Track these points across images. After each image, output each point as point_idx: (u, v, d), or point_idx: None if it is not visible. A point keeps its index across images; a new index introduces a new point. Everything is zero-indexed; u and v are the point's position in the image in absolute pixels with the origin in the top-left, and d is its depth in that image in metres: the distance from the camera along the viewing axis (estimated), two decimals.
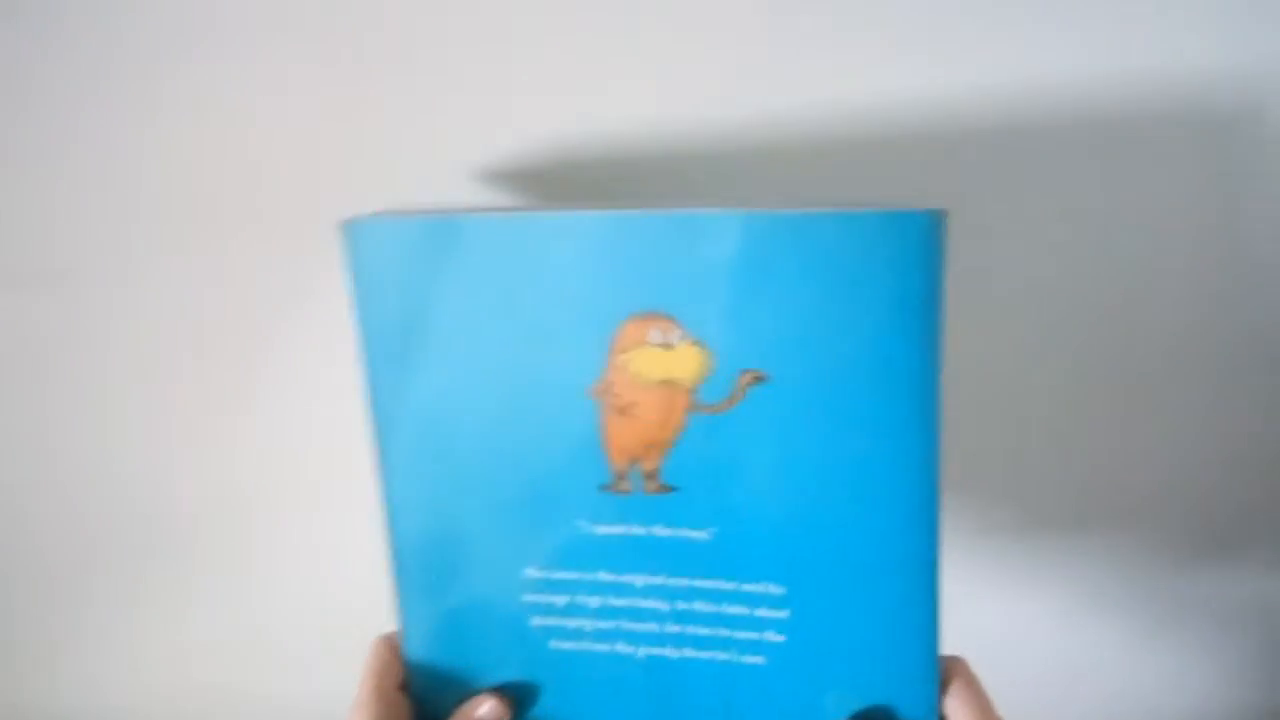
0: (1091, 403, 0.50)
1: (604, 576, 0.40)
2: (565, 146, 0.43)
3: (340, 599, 0.57)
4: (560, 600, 0.40)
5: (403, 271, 0.37)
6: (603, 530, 0.39)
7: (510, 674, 0.41)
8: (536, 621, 0.41)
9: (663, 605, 0.40)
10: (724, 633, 0.39)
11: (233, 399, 0.51)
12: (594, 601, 0.40)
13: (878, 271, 0.34)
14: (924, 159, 0.45)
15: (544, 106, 0.43)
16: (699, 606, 0.39)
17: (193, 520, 0.56)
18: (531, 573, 0.40)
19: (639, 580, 0.39)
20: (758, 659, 0.39)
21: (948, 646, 0.38)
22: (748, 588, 0.39)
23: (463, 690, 0.42)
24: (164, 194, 0.45)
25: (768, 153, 0.44)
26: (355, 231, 0.37)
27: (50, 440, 0.54)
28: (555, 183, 0.43)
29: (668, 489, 0.38)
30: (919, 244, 0.33)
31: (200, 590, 0.59)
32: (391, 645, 0.42)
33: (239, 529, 0.56)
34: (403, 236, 0.37)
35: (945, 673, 0.38)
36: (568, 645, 0.41)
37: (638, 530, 0.39)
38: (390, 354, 0.38)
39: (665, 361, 0.36)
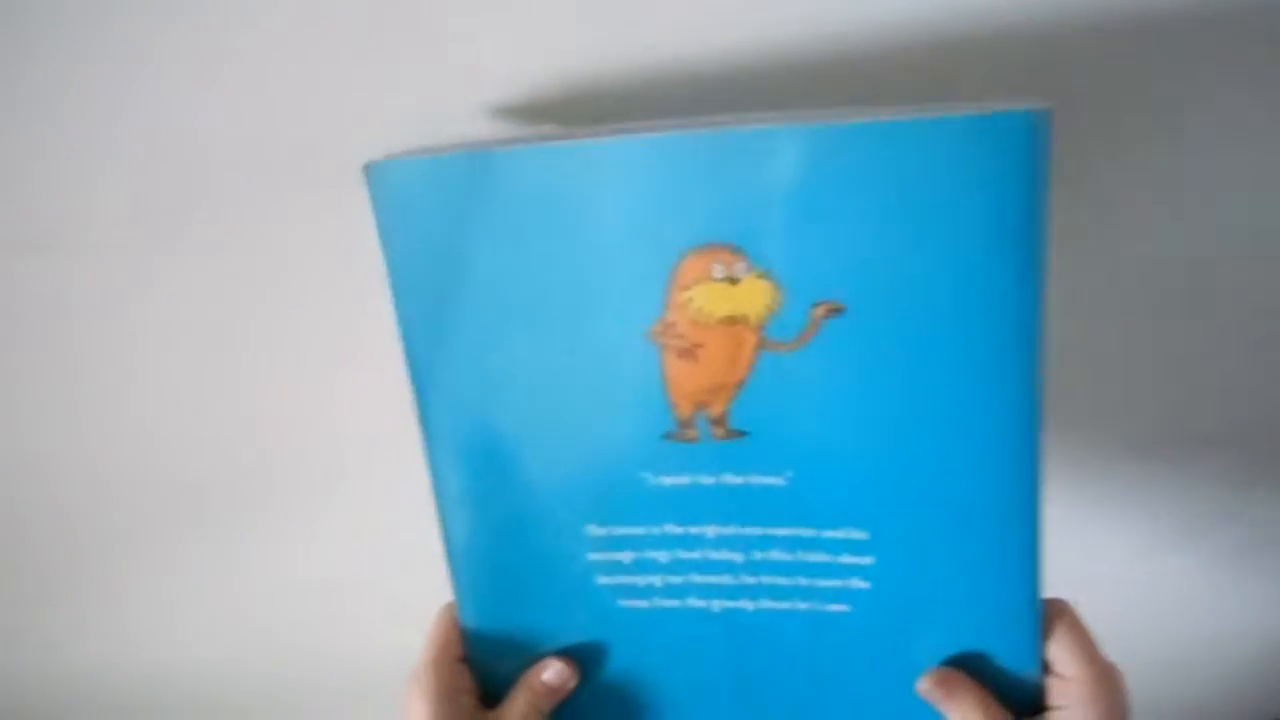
0: (1181, 330, 0.46)
1: (672, 529, 0.37)
2: (591, 72, 0.39)
3: (389, 558, 0.55)
4: (626, 557, 0.38)
5: (435, 214, 0.33)
6: (668, 481, 0.36)
7: (575, 636, 0.39)
8: (602, 580, 0.38)
9: (737, 556, 0.37)
10: (804, 582, 0.37)
11: (266, 357, 0.49)
12: (662, 556, 0.37)
13: (971, 183, 0.30)
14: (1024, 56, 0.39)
15: (566, 30, 0.39)
16: (776, 556, 0.37)
17: (234, 479, 0.54)
18: (593, 530, 0.37)
19: (710, 531, 0.37)
20: (842, 607, 0.37)
21: None
22: (828, 534, 0.36)
23: (524, 657, 0.39)
24: (183, 153, 0.42)
25: (825, 59, 0.39)
26: (380, 174, 0.33)
27: (80, 406, 0.52)
28: (581, 113, 0.39)
29: (737, 434, 0.35)
30: (1019, 149, 0.29)
31: (238, 552, 0.57)
32: (455, 615, 0.40)
33: (279, 489, 0.54)
34: (432, 175, 0.33)
35: (1047, 616, 0.35)
36: (637, 603, 0.38)
37: (706, 480, 0.36)
38: (426, 305, 0.35)
39: (730, 297, 0.33)
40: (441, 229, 0.34)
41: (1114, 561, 0.53)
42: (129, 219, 0.44)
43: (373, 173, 0.33)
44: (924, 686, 0.36)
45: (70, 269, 0.46)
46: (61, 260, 0.46)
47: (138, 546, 0.58)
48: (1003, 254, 0.31)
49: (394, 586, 0.56)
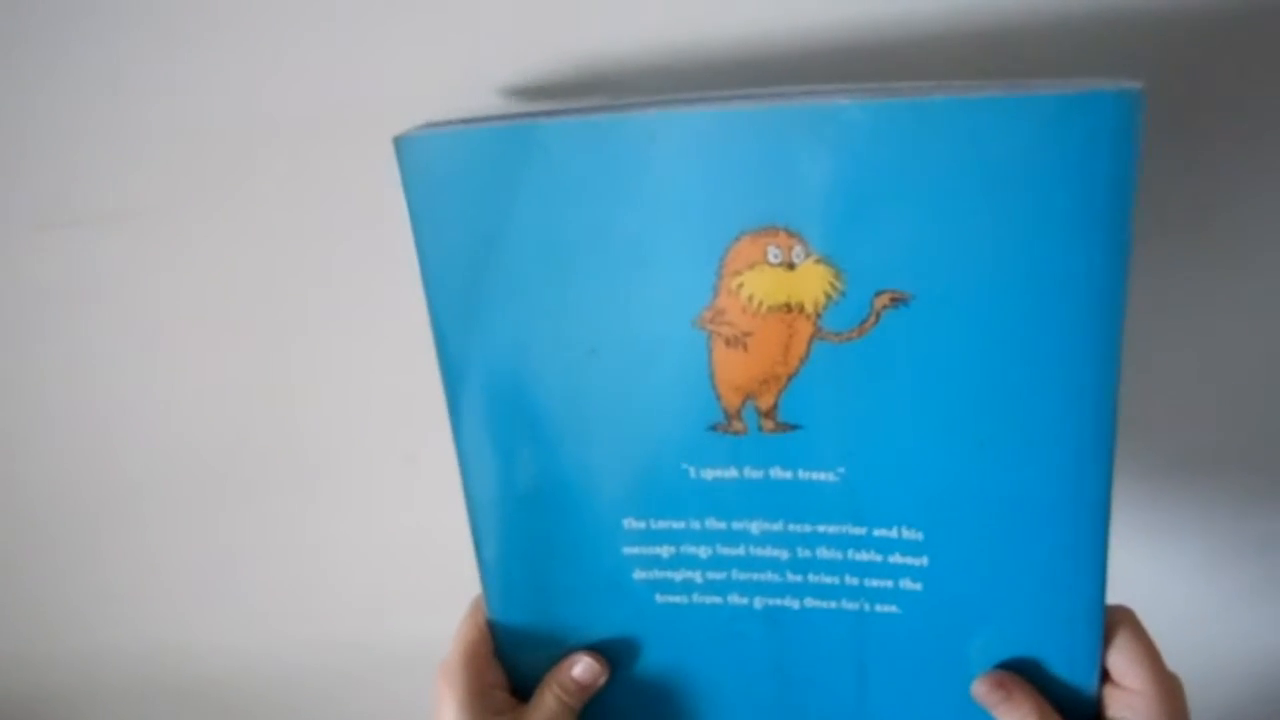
0: (1246, 341, 0.44)
1: (714, 524, 0.35)
2: (626, 44, 0.36)
3: (415, 545, 0.53)
4: (665, 551, 0.36)
5: (470, 190, 0.31)
6: (712, 475, 0.34)
7: (608, 631, 0.38)
8: (639, 575, 0.36)
9: (782, 554, 0.35)
10: (853, 581, 0.35)
11: (298, 336, 0.47)
12: (703, 552, 0.36)
13: (1057, 168, 0.28)
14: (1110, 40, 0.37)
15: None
16: (824, 554, 0.35)
17: (261, 460, 0.52)
18: (631, 523, 0.36)
19: (755, 527, 0.35)
20: (891, 608, 0.35)
21: None
22: (880, 533, 0.34)
23: (554, 651, 0.38)
24: (217, 123, 0.40)
25: (876, 40, 0.36)
26: (411, 148, 0.31)
27: (110, 378, 0.50)
28: (617, 87, 0.37)
29: (788, 428, 0.33)
30: (1110, 131, 0.27)
31: (264, 531, 0.55)
32: (484, 607, 0.38)
33: (310, 468, 0.53)
34: (468, 149, 0.31)
35: (1109, 623, 0.34)
36: (674, 599, 0.37)
37: (753, 474, 0.34)
38: (459, 288, 0.33)
39: (786, 283, 0.31)
40: (478, 206, 0.31)
41: (1172, 573, 0.52)
42: (156, 195, 0.43)
43: (403, 147, 0.31)
44: (980, 690, 0.34)
45: (101, 241, 0.45)
46: (89, 236, 0.44)
47: (151, 526, 0.56)
48: (1087, 244, 0.28)
49: (412, 570, 0.54)
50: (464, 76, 0.37)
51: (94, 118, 0.40)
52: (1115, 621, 0.34)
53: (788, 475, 0.34)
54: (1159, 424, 0.45)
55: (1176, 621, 0.50)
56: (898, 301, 0.30)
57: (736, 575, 0.36)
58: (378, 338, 0.45)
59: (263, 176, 0.41)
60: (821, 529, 0.34)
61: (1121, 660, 0.34)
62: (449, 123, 0.31)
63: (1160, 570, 0.51)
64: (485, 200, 0.31)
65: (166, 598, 0.60)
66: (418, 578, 0.53)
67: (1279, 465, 0.48)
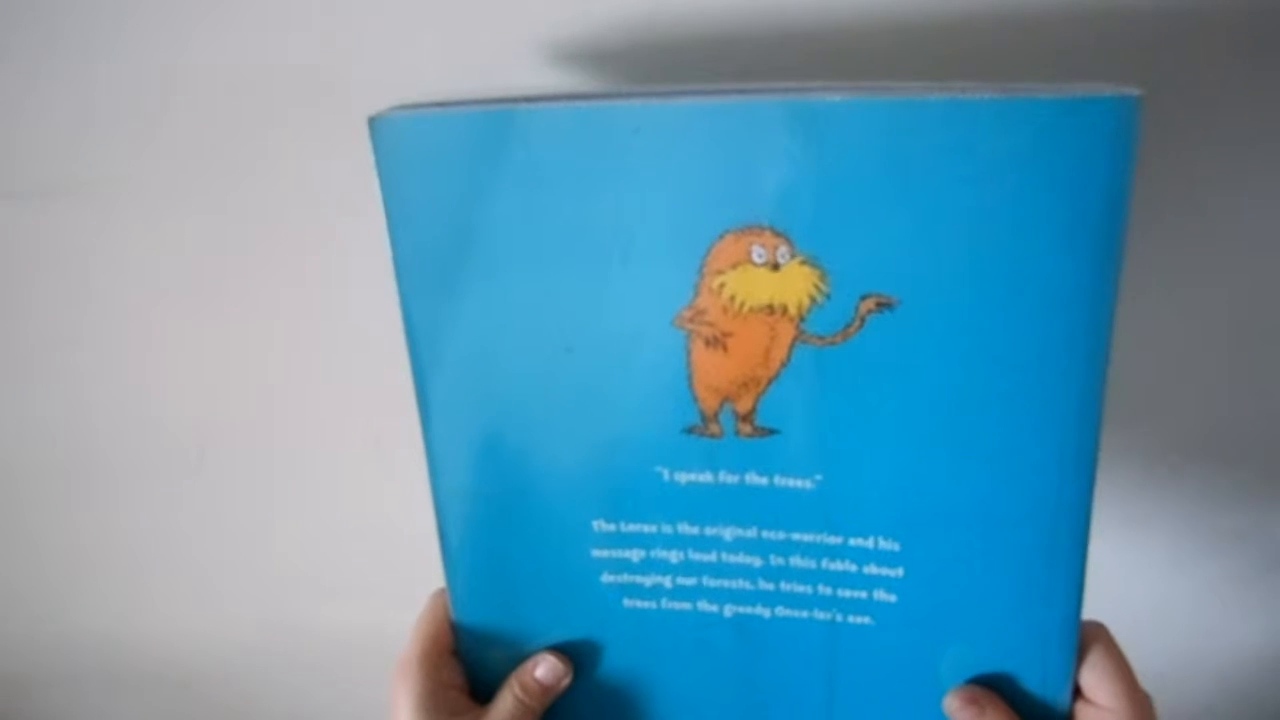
0: (1219, 340, 0.44)
1: (686, 529, 0.34)
2: (645, 20, 0.35)
3: (378, 530, 0.52)
4: (635, 555, 0.35)
5: (446, 176, 0.30)
6: (686, 478, 0.33)
7: (573, 634, 0.37)
8: (607, 578, 0.35)
9: (755, 561, 0.34)
10: (826, 591, 0.34)
11: (261, 315, 0.46)
12: (674, 557, 0.35)
13: (1049, 173, 0.27)
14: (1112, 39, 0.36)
15: None
16: (797, 562, 0.34)
17: (227, 440, 0.51)
18: (601, 525, 0.35)
19: (728, 533, 0.34)
20: (864, 619, 0.34)
21: None
22: (856, 542, 0.33)
23: (518, 652, 0.37)
24: (191, 95, 0.39)
25: (901, 25, 0.35)
26: (387, 129, 0.30)
27: (67, 354, 0.49)
28: (632, 65, 0.35)
29: (765, 432, 0.32)
30: (1107, 138, 0.26)
31: (229, 513, 0.54)
32: (447, 605, 0.37)
33: (273, 451, 0.51)
34: (445, 133, 0.30)
35: (1083, 639, 0.33)
36: (643, 604, 0.36)
37: (728, 478, 0.33)
38: (432, 275, 0.32)
39: (770, 284, 0.30)
40: (453, 193, 0.30)
41: (1126, 576, 0.52)
42: (119, 166, 0.42)
43: (378, 127, 0.30)
44: (953, 705, 0.34)
45: (68, 213, 0.43)
46: (48, 206, 0.43)
47: (106, 507, 0.55)
48: (1077, 253, 0.28)
49: (375, 556, 0.53)
50: (446, 55, 0.36)
51: (52, 87, 0.39)
52: (1089, 637, 0.33)
53: (763, 481, 0.33)
54: (1129, 417, 0.44)
55: (1148, 616, 0.50)
56: (883, 306, 0.30)
57: (707, 582, 0.35)
58: (345, 318, 0.44)
59: (233, 151, 0.40)
60: (796, 537, 0.34)
61: (1093, 677, 0.33)
62: (427, 105, 0.30)
63: (1129, 564, 0.51)
64: (461, 187, 0.30)
65: (123, 581, 0.59)
66: (380, 564, 0.52)
67: (1251, 460, 0.48)
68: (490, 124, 0.29)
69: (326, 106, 0.38)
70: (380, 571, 0.52)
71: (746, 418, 0.32)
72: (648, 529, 0.34)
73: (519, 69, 0.36)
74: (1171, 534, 0.51)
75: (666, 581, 0.35)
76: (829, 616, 0.35)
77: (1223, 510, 0.50)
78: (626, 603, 0.36)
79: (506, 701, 0.36)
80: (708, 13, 0.35)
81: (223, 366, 0.48)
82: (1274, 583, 0.53)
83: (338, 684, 0.61)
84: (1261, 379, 0.46)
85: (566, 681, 0.37)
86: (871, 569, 0.33)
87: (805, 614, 0.35)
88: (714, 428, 0.32)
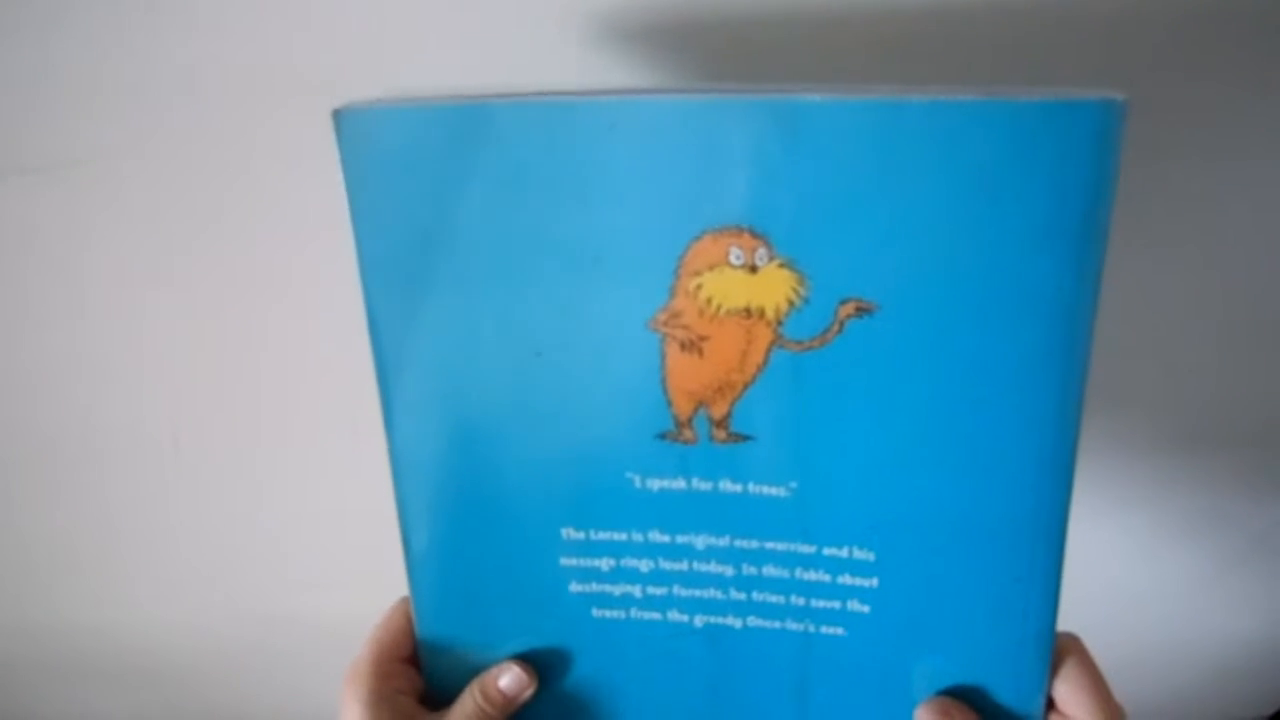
0: (1202, 330, 0.44)
1: (657, 537, 0.33)
2: (633, 14, 0.35)
3: (353, 519, 0.51)
4: (604, 564, 0.34)
5: (414, 172, 0.29)
6: (658, 485, 0.33)
7: (539, 643, 0.36)
8: (575, 587, 0.34)
9: (727, 570, 0.34)
10: (799, 601, 0.34)
11: (236, 299, 0.44)
12: (644, 565, 0.34)
13: (1032, 178, 0.27)
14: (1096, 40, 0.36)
15: None
16: (770, 572, 0.33)
17: (204, 429, 0.50)
18: (570, 533, 0.34)
19: (699, 542, 0.33)
20: (837, 630, 0.34)
21: None
22: (830, 552, 0.33)
23: (481, 660, 0.36)
24: (176, 84, 0.38)
25: (891, 23, 0.35)
26: (352, 122, 0.29)
27: (42, 334, 0.47)
28: (633, 65, 0.35)
29: (740, 438, 0.31)
30: (1090, 142, 0.26)
31: (205, 503, 0.53)
32: (407, 613, 0.36)
33: (249, 440, 0.50)
34: (413, 128, 0.29)
35: (1056, 651, 0.33)
36: (611, 613, 0.35)
37: (701, 485, 0.32)
38: (398, 274, 0.31)
39: (747, 287, 0.29)
40: (421, 190, 0.29)
41: (1114, 558, 0.52)
42: (96, 146, 0.40)
43: (343, 120, 0.29)
44: (923, 716, 0.33)
45: (41, 194, 0.42)
46: (33, 183, 0.42)
47: (80, 493, 0.53)
48: (1058, 259, 0.27)
49: (349, 545, 0.52)
50: (418, 48, 0.35)
51: (35, 66, 0.38)
52: (1063, 649, 0.33)
53: (737, 488, 0.32)
54: (1105, 404, 0.45)
55: (1128, 604, 0.50)
56: (863, 311, 0.29)
57: (678, 591, 0.34)
58: (322, 307, 0.43)
59: (212, 139, 0.39)
60: (769, 546, 0.33)
61: (1066, 689, 0.33)
62: (395, 98, 0.29)
63: (1105, 552, 0.51)
64: (430, 184, 0.29)
65: (99, 570, 0.57)
66: (359, 553, 0.51)
67: (1231, 447, 0.49)
68: (461, 119, 0.28)
69: (299, 93, 0.37)
70: (359, 561, 0.51)
71: (721, 423, 0.31)
72: (618, 537, 0.34)
73: (519, 69, 0.36)
74: (1150, 520, 0.51)
75: (636, 591, 0.34)
76: (802, 627, 0.34)
77: (1201, 495, 0.50)
78: (595, 612, 0.35)
79: (466, 707, 0.35)
80: (706, 14, 0.35)
81: (199, 355, 0.47)
82: (1256, 569, 0.53)
83: (318, 672, 0.60)
84: (1245, 367, 0.46)
85: (530, 693, 0.36)
86: (846, 579, 0.33)
87: (778, 624, 0.34)
88: (688, 433, 0.32)
